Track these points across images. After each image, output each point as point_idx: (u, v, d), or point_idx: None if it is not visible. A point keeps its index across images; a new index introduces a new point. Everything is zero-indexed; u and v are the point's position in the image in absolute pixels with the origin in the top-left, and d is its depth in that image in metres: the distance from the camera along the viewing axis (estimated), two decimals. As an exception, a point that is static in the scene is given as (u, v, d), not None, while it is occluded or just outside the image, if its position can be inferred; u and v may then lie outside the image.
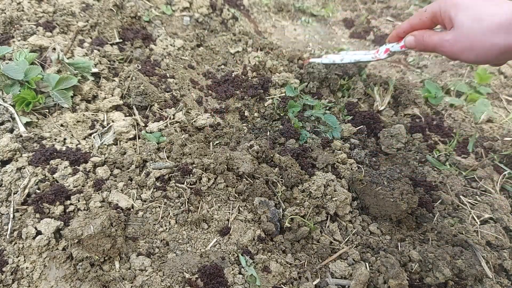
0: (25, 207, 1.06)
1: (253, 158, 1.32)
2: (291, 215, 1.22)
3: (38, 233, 1.01)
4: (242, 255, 1.07)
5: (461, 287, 1.13)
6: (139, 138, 1.35)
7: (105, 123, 1.35)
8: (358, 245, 1.23)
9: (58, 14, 1.67)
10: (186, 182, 1.20)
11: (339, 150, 1.54)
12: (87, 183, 1.16)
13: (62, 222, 1.03)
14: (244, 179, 1.27)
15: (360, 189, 1.33)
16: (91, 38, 1.69)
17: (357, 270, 1.10)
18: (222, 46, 2.03)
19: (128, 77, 1.47)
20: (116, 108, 1.42)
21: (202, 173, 1.22)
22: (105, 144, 1.29)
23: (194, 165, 1.25)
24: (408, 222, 1.33)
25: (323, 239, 1.22)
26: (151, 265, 1.01)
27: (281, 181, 1.31)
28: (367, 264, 1.14)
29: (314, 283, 1.07)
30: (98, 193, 1.14)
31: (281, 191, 1.28)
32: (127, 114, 1.42)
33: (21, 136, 1.20)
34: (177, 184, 1.19)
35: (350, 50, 2.19)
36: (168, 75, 1.70)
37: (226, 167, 1.25)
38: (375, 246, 1.23)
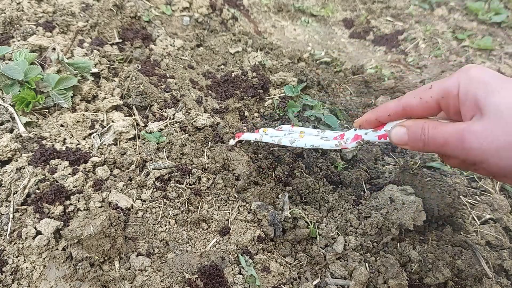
0: (24, 207, 1.05)
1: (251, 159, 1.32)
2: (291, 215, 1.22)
3: (38, 233, 1.01)
4: (242, 255, 1.07)
5: (461, 287, 1.13)
6: (139, 138, 1.35)
7: (105, 123, 1.35)
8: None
9: (58, 14, 1.67)
10: (186, 182, 1.20)
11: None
12: (87, 183, 1.16)
13: (62, 222, 1.03)
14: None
15: None
16: (91, 38, 1.69)
17: (356, 270, 1.10)
18: (222, 46, 2.03)
19: (128, 77, 1.47)
20: (116, 108, 1.42)
21: (202, 173, 1.22)
22: (105, 144, 1.29)
23: (193, 165, 1.25)
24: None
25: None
26: (151, 265, 1.01)
27: (281, 181, 1.31)
28: (366, 264, 1.14)
29: (314, 283, 1.07)
30: (98, 193, 1.14)
31: (281, 191, 1.28)
32: (127, 114, 1.42)
33: (20, 136, 1.20)
34: (176, 184, 1.19)
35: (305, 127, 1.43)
36: (168, 75, 1.70)
37: (223, 167, 1.25)
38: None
